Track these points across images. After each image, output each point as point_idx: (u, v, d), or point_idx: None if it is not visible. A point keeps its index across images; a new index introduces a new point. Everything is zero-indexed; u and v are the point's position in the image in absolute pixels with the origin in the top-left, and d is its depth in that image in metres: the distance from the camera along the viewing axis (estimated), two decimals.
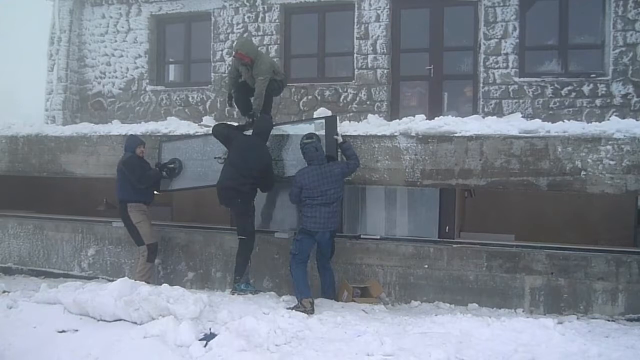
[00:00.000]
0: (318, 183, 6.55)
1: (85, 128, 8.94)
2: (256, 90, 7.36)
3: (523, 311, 6.68)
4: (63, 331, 5.67)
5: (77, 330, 5.66)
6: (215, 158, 7.58)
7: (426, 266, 7.08)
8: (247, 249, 7.14)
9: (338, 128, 7.13)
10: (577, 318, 6.33)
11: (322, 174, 6.60)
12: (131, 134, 8.08)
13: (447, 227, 7.30)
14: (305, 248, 6.67)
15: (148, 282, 6.87)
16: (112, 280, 6.46)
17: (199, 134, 8.08)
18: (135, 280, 6.82)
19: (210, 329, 5.42)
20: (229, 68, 8.49)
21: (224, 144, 7.33)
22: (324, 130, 7.07)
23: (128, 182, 7.51)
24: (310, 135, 6.82)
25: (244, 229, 7.13)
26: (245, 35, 10.50)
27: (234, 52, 7.66)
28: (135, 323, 5.55)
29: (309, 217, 6.59)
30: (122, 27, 11.51)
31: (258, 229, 7.39)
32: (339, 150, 6.98)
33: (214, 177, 7.30)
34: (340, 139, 6.95)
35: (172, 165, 7.87)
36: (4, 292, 7.11)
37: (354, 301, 6.81)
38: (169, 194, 8.88)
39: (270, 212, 8.06)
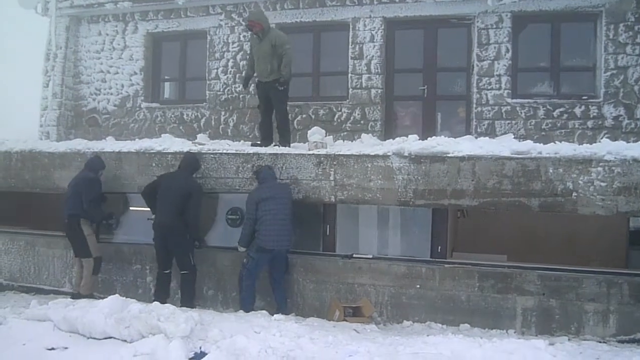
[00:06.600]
0: (273, 193, 7.02)
1: (79, 144, 8.93)
2: (285, 58, 8.04)
3: (515, 332, 6.66)
4: (52, 349, 5.66)
5: (66, 348, 5.63)
6: (148, 219, 7.67)
7: (418, 286, 7.06)
8: (191, 282, 7.37)
9: None
10: (569, 339, 6.31)
11: (275, 187, 7.17)
12: (96, 155, 8.23)
13: (440, 247, 7.31)
14: (260, 265, 7.06)
15: (92, 295, 7.44)
16: (103, 298, 6.43)
17: None
18: (81, 293, 7.48)
19: (200, 348, 5.40)
20: (249, 51, 8.93)
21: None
22: None
23: (80, 198, 7.69)
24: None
25: (184, 264, 7.36)
26: (240, 53, 10.56)
27: (245, 24, 8.49)
28: (126, 341, 5.52)
29: (265, 234, 6.92)
30: (118, 45, 11.57)
31: None
32: None
33: None
34: None
35: (111, 221, 8.17)
36: None
37: (346, 320, 6.79)
38: None
39: None
